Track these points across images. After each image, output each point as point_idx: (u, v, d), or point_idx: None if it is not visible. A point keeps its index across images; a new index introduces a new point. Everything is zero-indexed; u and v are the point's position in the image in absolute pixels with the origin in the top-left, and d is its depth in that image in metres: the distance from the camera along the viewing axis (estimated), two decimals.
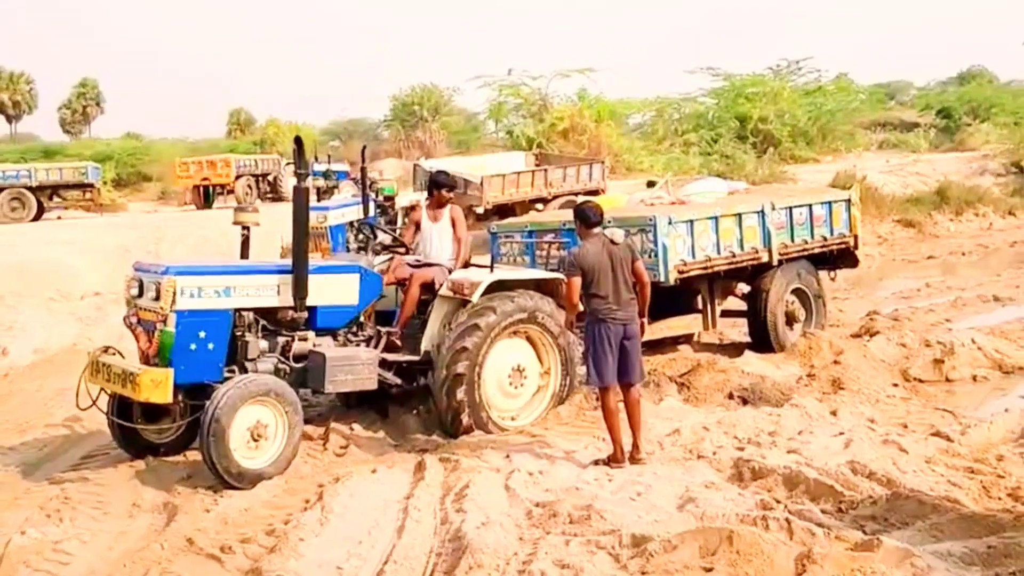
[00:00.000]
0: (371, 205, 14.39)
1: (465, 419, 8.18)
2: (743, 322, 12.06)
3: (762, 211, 11.08)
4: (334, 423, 8.68)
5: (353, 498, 6.51)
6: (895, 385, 9.94)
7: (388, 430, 8.72)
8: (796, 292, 11.58)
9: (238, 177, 30.50)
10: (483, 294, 8.34)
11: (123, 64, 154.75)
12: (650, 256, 9.95)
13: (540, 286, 8.76)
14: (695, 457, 7.29)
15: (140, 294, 7.64)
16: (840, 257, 12.43)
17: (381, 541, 5.87)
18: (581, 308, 7.44)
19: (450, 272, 8.77)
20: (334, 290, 8.15)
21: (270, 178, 31.70)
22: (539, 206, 20.09)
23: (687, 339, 11.73)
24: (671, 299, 10.81)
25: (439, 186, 9.10)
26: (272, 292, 7.81)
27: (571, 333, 8.27)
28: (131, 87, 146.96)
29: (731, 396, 9.17)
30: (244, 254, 8.61)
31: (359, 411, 9.12)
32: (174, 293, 7.27)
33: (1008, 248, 22.32)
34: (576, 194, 19.61)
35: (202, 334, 7.44)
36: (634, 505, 6.24)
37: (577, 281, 7.17)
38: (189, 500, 6.81)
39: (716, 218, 10.68)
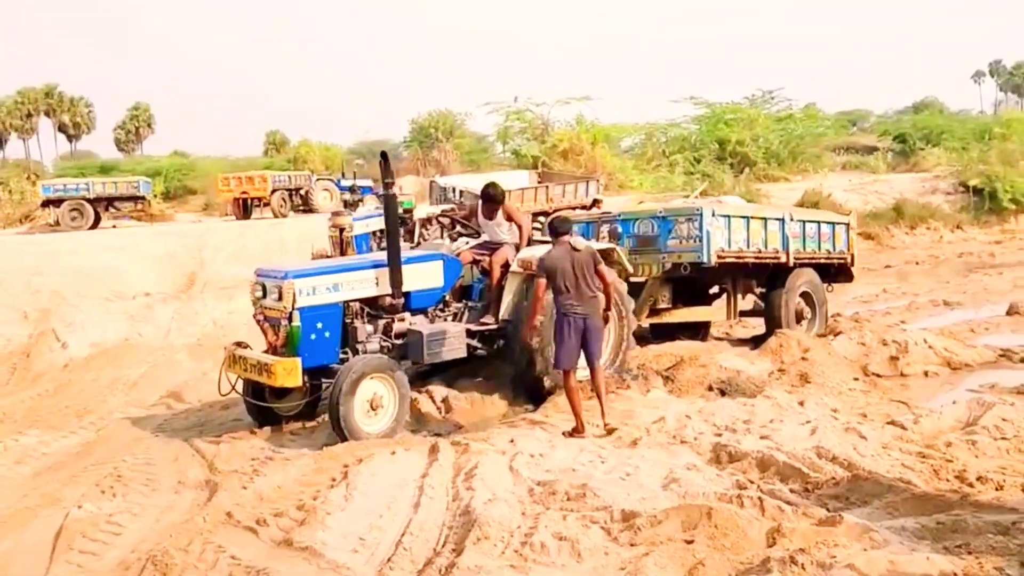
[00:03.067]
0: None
1: (547, 383, 8.53)
2: (723, 324, 12.33)
3: (783, 219, 11.55)
4: None
5: (374, 477, 6.50)
6: (856, 379, 9.92)
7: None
8: (804, 295, 11.91)
9: (274, 191, 30.40)
10: None
11: (172, 89, 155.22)
12: (695, 241, 10.54)
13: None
14: (678, 442, 7.28)
15: (264, 295, 8.06)
16: (839, 272, 12.85)
17: (399, 515, 5.86)
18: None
19: (516, 249, 9.04)
20: (423, 276, 8.57)
21: (302, 192, 31.58)
22: (541, 219, 20.04)
23: (683, 335, 11.94)
24: (695, 293, 11.61)
25: (489, 199, 9.21)
26: (372, 283, 8.23)
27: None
28: (179, 110, 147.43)
29: (711, 388, 9.15)
30: (343, 251, 8.91)
31: None
32: (294, 294, 7.68)
33: (956, 259, 22.29)
34: (574, 208, 19.55)
35: (320, 325, 7.86)
36: (624, 484, 6.23)
37: (543, 282, 7.52)
38: (228, 478, 6.81)
39: (748, 218, 11.15)
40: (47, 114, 76.39)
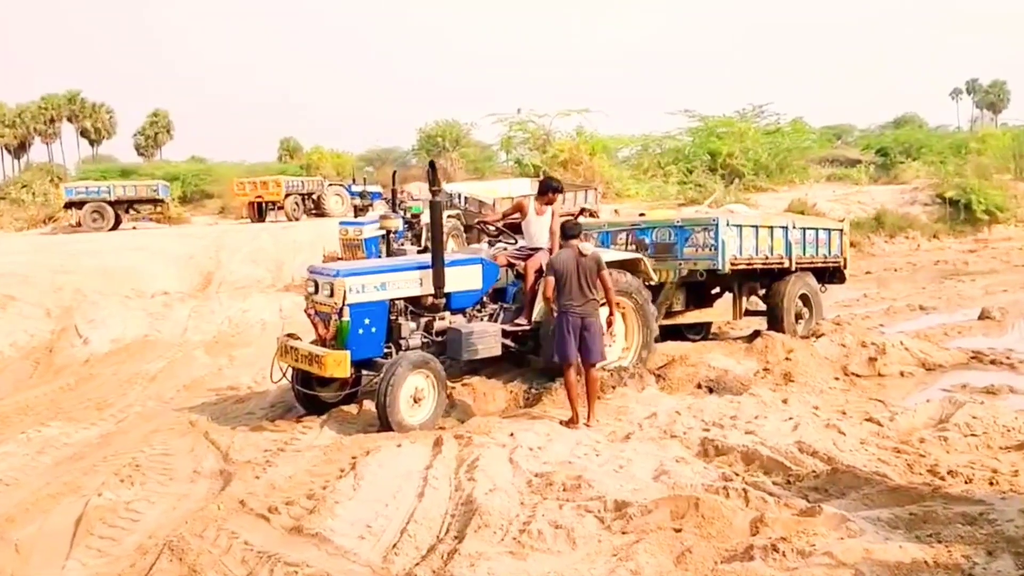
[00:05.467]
0: (400, 221, 14.41)
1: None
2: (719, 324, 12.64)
3: (787, 227, 11.72)
4: (367, 403, 8.72)
5: (381, 468, 6.50)
6: (836, 379, 9.96)
7: None
8: (802, 297, 12.03)
9: (287, 195, 30.41)
10: None
11: (190, 96, 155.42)
12: (710, 250, 10.67)
13: (623, 264, 9.44)
14: (669, 436, 7.31)
15: (316, 291, 8.17)
16: (832, 274, 12.94)
17: (404, 504, 5.88)
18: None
19: (549, 254, 9.02)
20: (463, 278, 8.66)
21: (314, 197, 31.60)
22: None
23: (690, 334, 12.13)
24: (703, 296, 11.76)
25: (550, 189, 9.23)
26: (417, 284, 8.33)
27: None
28: (197, 117, 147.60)
29: (699, 386, 9.16)
30: (389, 252, 8.97)
31: None
32: (345, 291, 7.77)
33: (932, 266, 22.38)
34: (572, 215, 19.58)
35: (367, 320, 7.97)
36: (617, 476, 6.27)
37: (551, 280, 7.72)
38: (242, 468, 6.81)
39: (757, 227, 11.30)
40: (70, 119, 76.32)
